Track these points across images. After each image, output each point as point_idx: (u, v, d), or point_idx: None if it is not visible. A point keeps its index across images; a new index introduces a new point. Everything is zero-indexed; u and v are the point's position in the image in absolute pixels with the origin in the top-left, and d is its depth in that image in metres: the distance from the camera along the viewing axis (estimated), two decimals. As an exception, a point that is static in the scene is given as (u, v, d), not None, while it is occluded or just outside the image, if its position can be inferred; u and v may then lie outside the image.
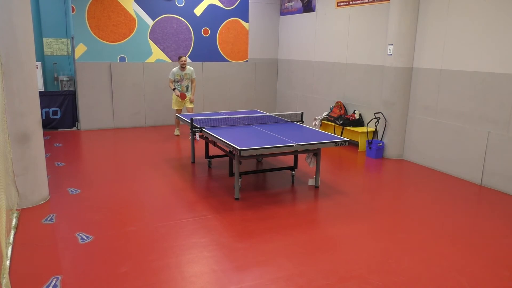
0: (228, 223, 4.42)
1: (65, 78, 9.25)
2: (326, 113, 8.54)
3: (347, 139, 5.25)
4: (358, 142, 7.69)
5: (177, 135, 8.23)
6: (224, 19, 9.75)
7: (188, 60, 9.43)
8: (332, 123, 8.18)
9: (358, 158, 7.25)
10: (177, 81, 8.05)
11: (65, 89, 9.21)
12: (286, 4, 10.08)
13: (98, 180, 5.69)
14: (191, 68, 8.16)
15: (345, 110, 8.26)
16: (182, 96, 8.04)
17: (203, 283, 3.32)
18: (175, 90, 7.98)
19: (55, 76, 9.45)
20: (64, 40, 9.52)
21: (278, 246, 3.92)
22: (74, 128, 8.94)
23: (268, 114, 6.85)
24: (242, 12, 9.90)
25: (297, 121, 6.39)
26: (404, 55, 6.75)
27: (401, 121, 7.01)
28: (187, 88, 8.17)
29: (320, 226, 4.46)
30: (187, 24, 9.37)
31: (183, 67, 7.98)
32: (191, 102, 8.23)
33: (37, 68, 7.38)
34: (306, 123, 6.63)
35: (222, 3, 9.64)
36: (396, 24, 6.71)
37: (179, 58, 7.97)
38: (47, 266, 3.50)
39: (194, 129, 5.77)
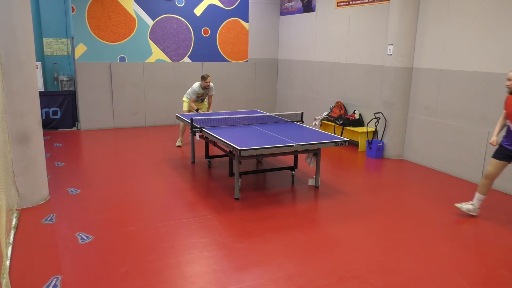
0: (228, 223, 4.42)
1: (65, 78, 9.25)
2: (326, 113, 8.54)
3: (347, 139, 5.25)
4: (358, 142, 7.69)
5: (179, 146, 7.62)
6: (224, 19, 9.75)
7: (188, 60, 9.43)
8: (332, 123, 8.18)
9: (358, 158, 7.25)
10: (198, 97, 7.44)
11: (65, 89, 9.20)
12: (286, 4, 10.08)
13: (98, 180, 5.69)
14: (212, 84, 7.45)
15: (345, 110, 8.25)
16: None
17: (203, 283, 3.32)
18: (198, 110, 7.38)
19: (55, 76, 9.45)
20: (64, 40, 9.52)
21: (278, 246, 3.92)
22: (74, 128, 8.94)
23: (268, 114, 6.85)
24: (242, 12, 9.90)
25: (297, 121, 6.39)
26: (404, 55, 6.75)
27: (401, 121, 7.01)
28: (202, 100, 7.63)
29: (320, 226, 4.46)
30: (187, 24, 9.36)
31: (206, 88, 7.31)
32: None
33: (37, 68, 7.38)
34: (306, 123, 6.63)
35: (222, 3, 9.64)
36: (396, 24, 6.71)
37: (205, 78, 7.16)
38: (47, 266, 3.50)
39: (194, 129, 5.77)
